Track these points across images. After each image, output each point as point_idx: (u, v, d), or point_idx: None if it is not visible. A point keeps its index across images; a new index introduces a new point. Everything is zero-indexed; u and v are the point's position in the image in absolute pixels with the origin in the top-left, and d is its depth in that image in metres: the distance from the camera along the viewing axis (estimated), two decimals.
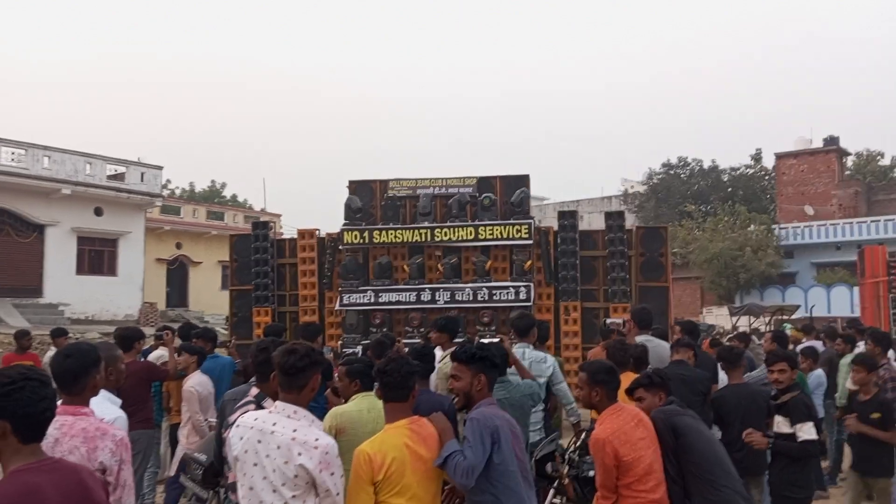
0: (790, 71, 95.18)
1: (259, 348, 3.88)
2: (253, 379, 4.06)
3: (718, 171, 45.10)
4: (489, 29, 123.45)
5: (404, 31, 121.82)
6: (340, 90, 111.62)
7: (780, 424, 4.75)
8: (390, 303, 11.01)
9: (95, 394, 3.31)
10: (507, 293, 10.68)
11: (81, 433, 2.94)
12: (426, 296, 10.89)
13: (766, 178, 45.12)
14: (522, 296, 10.59)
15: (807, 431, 4.59)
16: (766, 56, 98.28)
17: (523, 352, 5.84)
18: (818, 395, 7.88)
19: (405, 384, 3.35)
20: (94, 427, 3.00)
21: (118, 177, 27.14)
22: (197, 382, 6.32)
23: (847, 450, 8.58)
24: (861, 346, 8.74)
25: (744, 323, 24.33)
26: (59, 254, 24.94)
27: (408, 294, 10.98)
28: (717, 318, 29.91)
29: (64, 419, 2.95)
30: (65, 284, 24.70)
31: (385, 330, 10.52)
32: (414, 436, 3.26)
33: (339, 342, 10.95)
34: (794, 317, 24.33)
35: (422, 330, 10.09)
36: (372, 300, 11.01)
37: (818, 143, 40.81)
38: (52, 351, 9.77)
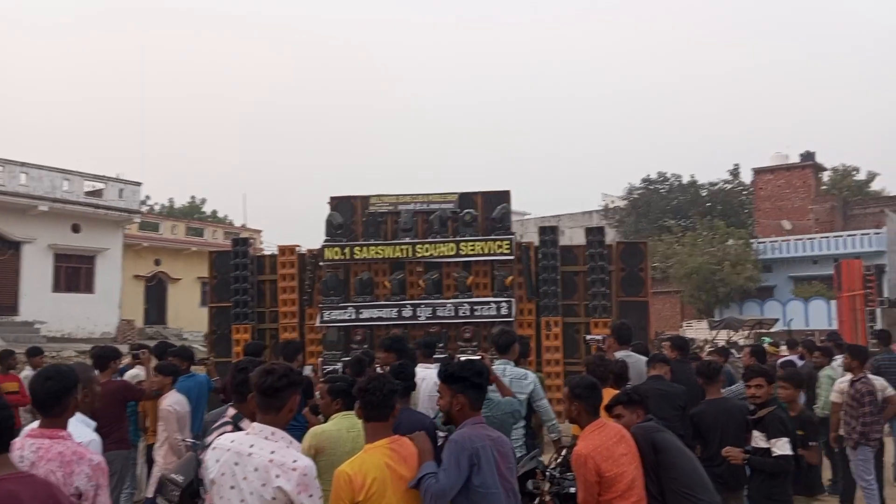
0: (767, 87, 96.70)
1: (237, 368, 3.84)
2: None
3: (697, 186, 45.57)
4: (468, 45, 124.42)
5: (383, 46, 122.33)
6: (321, 105, 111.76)
7: (758, 439, 4.78)
8: (371, 319, 10.97)
9: (72, 416, 3.27)
10: (489, 309, 10.68)
11: (58, 457, 2.91)
12: (407, 312, 10.87)
13: (744, 192, 45.64)
14: (504, 311, 10.60)
15: (781, 447, 4.62)
16: (743, 72, 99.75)
17: (504, 368, 5.84)
18: None
19: (386, 403, 3.32)
20: (71, 451, 2.97)
21: (96, 193, 26.93)
22: (174, 401, 6.25)
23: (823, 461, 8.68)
24: (839, 360, 8.84)
25: (723, 336, 24.54)
26: (35, 271, 24.65)
27: (389, 310, 10.94)
28: (697, 331, 30.12)
29: (41, 442, 2.93)
30: (41, 302, 24.41)
31: (366, 347, 10.47)
32: (395, 455, 3.23)
33: (320, 359, 10.89)
34: (772, 330, 24.57)
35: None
36: (353, 317, 10.96)
37: (795, 159, 41.39)
38: (27, 370, 9.60)
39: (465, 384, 3.52)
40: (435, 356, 7.14)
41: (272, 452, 2.92)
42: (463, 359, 6.15)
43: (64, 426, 3.11)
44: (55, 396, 3.07)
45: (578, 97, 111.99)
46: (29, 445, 2.91)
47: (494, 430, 3.56)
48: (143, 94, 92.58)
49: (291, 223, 73.07)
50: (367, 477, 3.12)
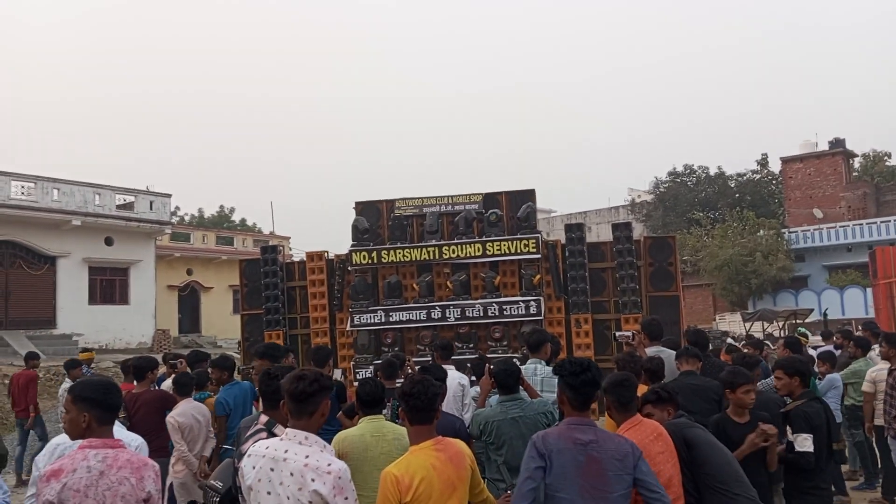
0: (793, 74, 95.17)
1: (268, 376, 3.89)
2: None
3: (725, 178, 45.03)
4: (490, 45, 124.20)
5: (405, 52, 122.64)
6: (346, 111, 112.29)
7: (789, 433, 4.72)
8: (401, 322, 11.01)
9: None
10: (518, 308, 10.66)
11: (128, 464, 3.01)
12: (436, 313, 10.90)
13: (774, 182, 45.03)
14: (533, 310, 10.57)
15: (800, 443, 4.53)
16: (768, 60, 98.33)
17: (535, 367, 5.85)
18: (831, 397, 7.82)
19: (431, 406, 3.34)
20: (137, 458, 3.09)
21: (127, 206, 27.41)
22: (179, 413, 6.24)
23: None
24: (876, 349, 8.70)
25: (757, 328, 24.23)
26: (71, 284, 25.15)
27: (418, 312, 10.98)
28: (731, 324, 29.81)
29: (105, 452, 3.00)
30: (78, 314, 24.88)
31: (396, 349, 10.52)
32: (441, 455, 3.25)
33: (352, 363, 10.96)
34: (808, 320, 24.19)
35: (435, 343, 10.11)
36: (383, 320, 11.02)
37: (824, 146, 40.74)
38: (66, 383, 9.80)
39: (564, 382, 3.46)
40: (452, 357, 7.24)
41: (307, 457, 2.97)
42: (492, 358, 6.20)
43: (112, 435, 3.19)
44: (114, 408, 3.17)
45: (602, 93, 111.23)
46: (93, 456, 2.96)
47: (591, 433, 3.31)
48: (170, 108, 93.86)
49: (320, 228, 73.60)
50: (415, 478, 3.14)
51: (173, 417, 6.20)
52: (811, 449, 4.49)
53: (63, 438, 3.66)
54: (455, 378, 6.41)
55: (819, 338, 12.93)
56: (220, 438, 6.46)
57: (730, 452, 4.08)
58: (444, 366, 6.51)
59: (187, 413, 6.28)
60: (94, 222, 25.41)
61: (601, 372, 3.56)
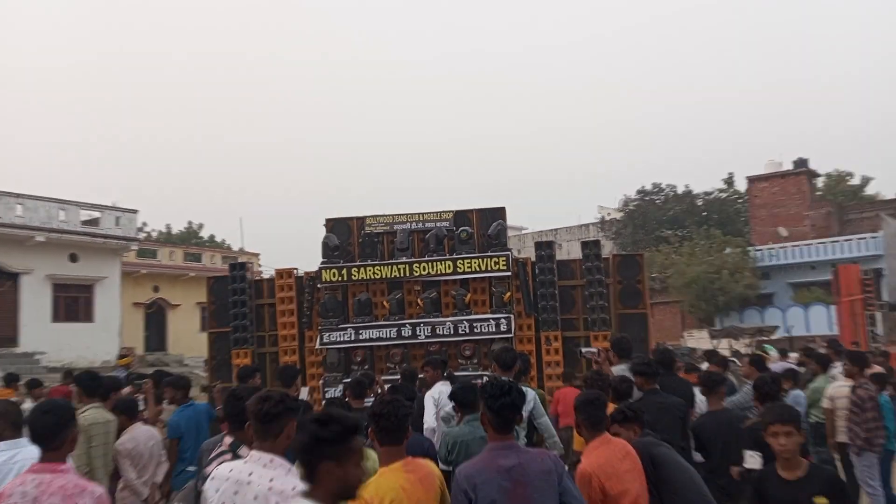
0: (758, 95, 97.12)
1: (234, 396, 3.84)
2: None
3: (692, 196, 45.71)
4: (461, 62, 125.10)
5: (377, 68, 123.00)
6: (316, 127, 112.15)
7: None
8: (371, 339, 10.96)
9: (71, 450, 3.29)
10: (488, 325, 10.68)
11: (60, 490, 2.94)
12: (407, 331, 10.87)
13: (740, 201, 45.81)
14: (503, 327, 10.60)
15: (747, 459, 4.59)
16: (733, 80, 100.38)
17: None
18: None
19: (402, 426, 3.32)
20: (73, 484, 3.00)
21: (93, 222, 26.98)
22: (128, 439, 5.99)
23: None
24: (838, 367, 8.85)
25: (724, 345, 24.52)
26: (34, 302, 24.63)
27: (388, 330, 10.94)
28: (699, 341, 30.12)
29: (42, 477, 2.96)
30: (41, 332, 24.36)
31: (366, 368, 10.46)
32: (411, 476, 3.23)
33: (321, 381, 10.88)
34: (773, 337, 24.55)
35: (403, 366, 10.07)
36: (352, 338, 10.96)
37: (788, 166, 41.55)
38: (28, 402, 9.57)
39: (485, 404, 3.40)
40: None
41: (271, 480, 2.92)
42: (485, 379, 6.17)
43: (63, 459, 3.12)
44: (54, 430, 3.09)
45: (571, 110, 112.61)
46: (31, 481, 2.93)
47: (514, 456, 3.29)
48: (136, 122, 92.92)
49: (289, 244, 73.10)
50: (384, 500, 3.11)
51: (122, 444, 5.92)
52: (758, 466, 4.52)
53: None
54: None
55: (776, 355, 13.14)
56: (171, 461, 6.28)
57: (696, 472, 4.11)
58: (439, 382, 6.47)
59: (137, 439, 6.00)
60: (58, 238, 24.95)
61: (523, 395, 3.53)
